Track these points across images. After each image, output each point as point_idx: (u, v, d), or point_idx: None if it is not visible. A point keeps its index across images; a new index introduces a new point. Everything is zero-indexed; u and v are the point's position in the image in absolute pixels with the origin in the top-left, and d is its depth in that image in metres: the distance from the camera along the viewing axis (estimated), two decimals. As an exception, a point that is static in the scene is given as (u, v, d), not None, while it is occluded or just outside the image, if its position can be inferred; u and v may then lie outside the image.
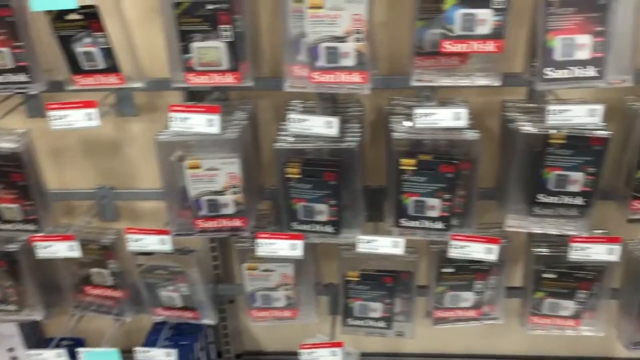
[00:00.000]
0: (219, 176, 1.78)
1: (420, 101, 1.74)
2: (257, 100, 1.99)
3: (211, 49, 1.65)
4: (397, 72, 1.82)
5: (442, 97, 1.74)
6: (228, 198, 1.81)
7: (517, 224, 1.80)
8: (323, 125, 1.67)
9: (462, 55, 1.61)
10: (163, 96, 2.02)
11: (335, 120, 1.67)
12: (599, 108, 1.56)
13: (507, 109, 1.83)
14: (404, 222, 1.81)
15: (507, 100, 1.86)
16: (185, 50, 1.65)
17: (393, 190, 1.76)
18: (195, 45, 1.64)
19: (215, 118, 1.68)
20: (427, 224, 1.80)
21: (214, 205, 1.83)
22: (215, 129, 1.68)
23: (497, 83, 1.59)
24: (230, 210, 1.84)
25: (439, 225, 1.80)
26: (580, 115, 1.57)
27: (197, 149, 1.77)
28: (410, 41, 1.60)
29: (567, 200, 1.72)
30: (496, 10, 1.49)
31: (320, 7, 1.51)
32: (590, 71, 1.53)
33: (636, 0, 1.47)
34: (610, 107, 1.61)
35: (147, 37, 1.87)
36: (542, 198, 1.73)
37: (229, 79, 1.68)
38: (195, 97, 1.91)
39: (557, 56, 1.53)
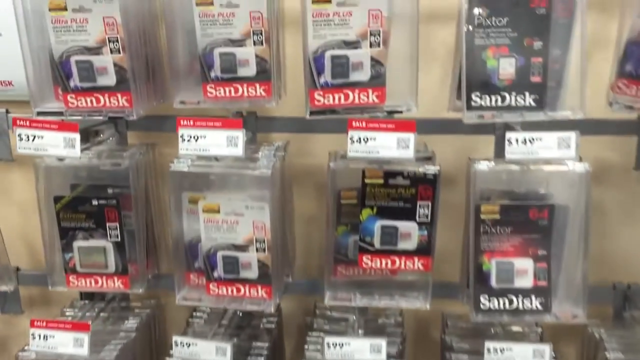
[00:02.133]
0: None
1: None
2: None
3: (96, 249, 1.41)
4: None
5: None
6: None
7: None
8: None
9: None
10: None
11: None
12: (546, 349, 1.27)
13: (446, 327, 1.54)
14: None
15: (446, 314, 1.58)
16: (67, 249, 1.41)
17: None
18: (77, 244, 1.40)
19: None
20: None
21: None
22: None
23: (424, 308, 1.32)
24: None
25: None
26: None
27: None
28: (328, 248, 1.36)
29: None
30: (421, 224, 1.27)
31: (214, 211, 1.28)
32: (534, 302, 1.27)
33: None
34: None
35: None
36: None
37: (116, 284, 1.43)
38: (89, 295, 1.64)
39: (494, 282, 1.27)
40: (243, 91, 1.30)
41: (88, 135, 1.46)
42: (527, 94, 1.20)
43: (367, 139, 1.20)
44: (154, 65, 1.39)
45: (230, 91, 1.30)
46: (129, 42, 1.26)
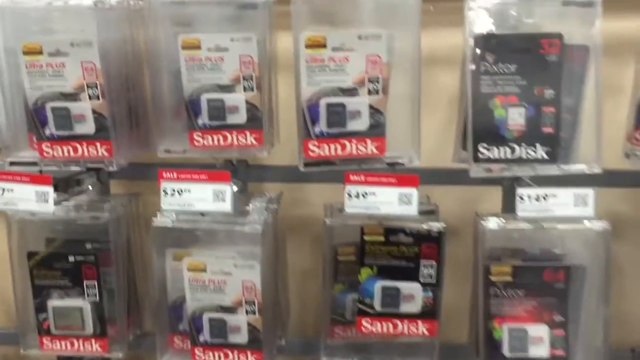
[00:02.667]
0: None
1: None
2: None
3: (72, 310, 1.30)
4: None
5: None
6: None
7: None
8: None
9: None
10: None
11: None
12: None
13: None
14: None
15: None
16: (41, 308, 1.30)
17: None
18: (51, 303, 1.30)
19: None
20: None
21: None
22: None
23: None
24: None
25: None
26: None
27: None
28: (324, 308, 1.26)
29: None
30: (425, 285, 1.16)
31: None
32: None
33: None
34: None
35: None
36: None
37: (94, 347, 1.31)
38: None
39: (506, 351, 1.16)
40: (232, 139, 1.21)
41: (68, 184, 1.36)
42: (538, 145, 1.11)
43: (366, 193, 1.10)
44: (137, 111, 1.30)
45: (218, 139, 1.21)
46: (109, 88, 1.17)
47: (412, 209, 1.09)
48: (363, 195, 1.10)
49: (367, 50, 1.11)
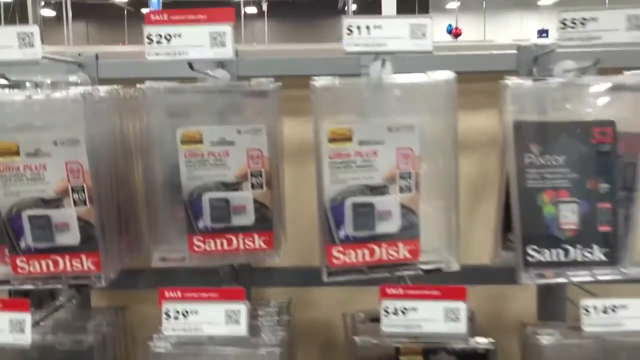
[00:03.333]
0: None
1: None
2: None
3: None
4: None
5: None
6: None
7: None
8: None
9: None
10: None
11: None
12: None
13: None
14: None
15: None
16: None
17: None
18: None
19: None
20: None
21: None
22: None
23: None
24: None
25: None
26: None
27: None
28: None
29: None
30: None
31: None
32: None
33: None
34: None
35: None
36: None
37: None
38: None
39: None
40: (238, 243, 1.06)
41: (41, 299, 1.17)
42: (595, 246, 0.98)
43: (406, 309, 0.95)
44: (127, 213, 1.13)
45: (222, 243, 1.06)
46: (98, 191, 1.01)
47: (461, 327, 0.94)
48: (402, 312, 0.95)
49: (398, 143, 0.98)
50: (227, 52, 0.91)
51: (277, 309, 1.16)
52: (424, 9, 14.56)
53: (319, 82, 0.95)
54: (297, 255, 1.23)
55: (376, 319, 1.09)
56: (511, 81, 0.97)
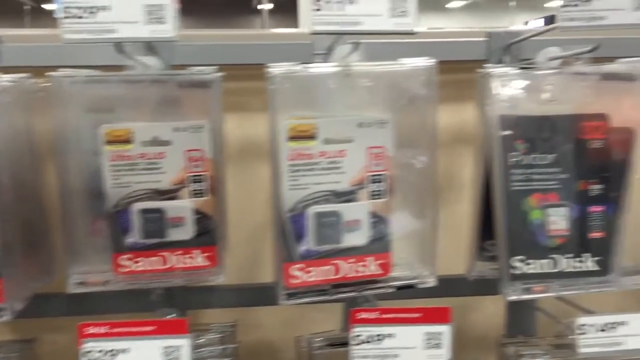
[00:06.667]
0: None
1: None
2: None
3: None
4: None
5: None
6: None
7: None
8: None
9: None
10: None
11: None
12: None
13: None
14: None
15: None
16: None
17: None
18: None
19: None
20: None
21: None
22: None
23: None
24: None
25: None
26: None
27: None
28: None
29: None
30: None
31: None
32: None
33: None
34: None
35: None
36: None
37: None
38: None
39: None
40: (174, 261, 0.89)
41: None
42: (586, 255, 0.88)
43: (381, 336, 0.81)
44: (33, 229, 0.93)
45: (154, 263, 0.88)
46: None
47: (443, 354, 0.80)
48: (378, 338, 0.80)
49: (370, 142, 0.83)
50: (166, 29, 0.73)
51: (220, 336, 0.99)
52: None
53: (277, 69, 0.79)
54: (240, 271, 1.08)
55: (336, 344, 0.96)
56: (495, 70, 0.85)
